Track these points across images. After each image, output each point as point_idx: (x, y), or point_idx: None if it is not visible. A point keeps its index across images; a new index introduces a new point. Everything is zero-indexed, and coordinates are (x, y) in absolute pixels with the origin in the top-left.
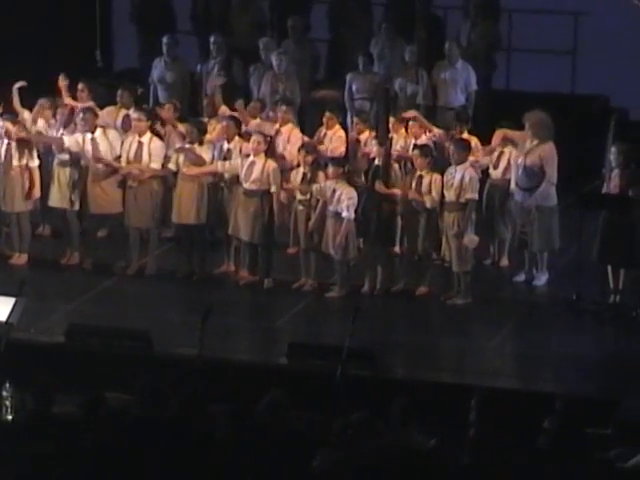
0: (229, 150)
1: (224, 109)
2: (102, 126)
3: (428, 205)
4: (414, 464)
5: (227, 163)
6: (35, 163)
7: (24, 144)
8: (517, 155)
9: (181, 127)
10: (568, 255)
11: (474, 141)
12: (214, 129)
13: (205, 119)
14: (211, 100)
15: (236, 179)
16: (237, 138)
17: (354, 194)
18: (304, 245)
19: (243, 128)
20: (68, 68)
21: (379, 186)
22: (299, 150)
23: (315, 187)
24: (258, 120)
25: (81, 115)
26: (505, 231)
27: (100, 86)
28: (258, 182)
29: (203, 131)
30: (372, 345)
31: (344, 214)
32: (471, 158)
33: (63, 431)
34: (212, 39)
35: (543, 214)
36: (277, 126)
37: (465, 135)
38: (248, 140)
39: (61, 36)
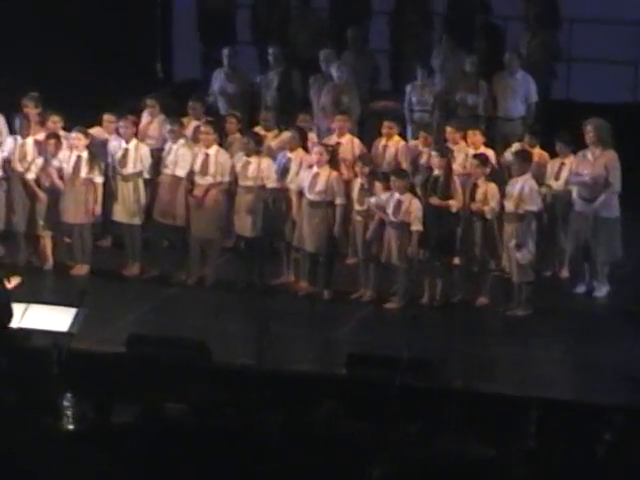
0: (289, 160)
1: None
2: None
3: (488, 216)
4: (471, 475)
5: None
6: (100, 179)
7: (93, 158)
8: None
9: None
10: (628, 266)
11: (544, 155)
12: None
13: (262, 131)
14: (267, 113)
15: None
16: (299, 149)
17: (420, 205)
18: (362, 256)
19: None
20: (128, 79)
21: (434, 199)
22: (355, 161)
23: (372, 201)
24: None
25: (169, 127)
26: (566, 242)
27: (166, 97)
28: (323, 193)
29: (259, 142)
30: (431, 356)
31: (414, 227)
32: None
33: (122, 440)
34: (270, 50)
35: (606, 225)
36: (335, 138)
37: (537, 150)
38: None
39: (122, 48)
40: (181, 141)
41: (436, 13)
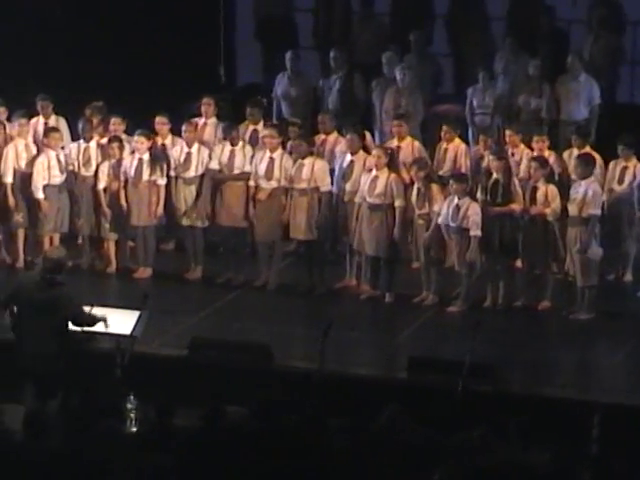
0: (352, 162)
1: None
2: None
3: (550, 218)
4: None
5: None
6: (163, 181)
7: (155, 161)
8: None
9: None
10: None
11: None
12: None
13: (322, 136)
14: (324, 116)
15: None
16: (361, 152)
17: (479, 210)
18: (423, 259)
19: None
20: (191, 84)
21: (493, 209)
22: (411, 166)
23: (440, 221)
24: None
25: (231, 132)
26: (631, 246)
27: (222, 101)
28: (382, 196)
29: (312, 144)
30: (493, 360)
31: (472, 232)
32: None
33: (184, 443)
34: (331, 54)
35: None
36: (395, 142)
37: (587, 150)
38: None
39: (184, 52)
40: (241, 143)
41: (499, 17)
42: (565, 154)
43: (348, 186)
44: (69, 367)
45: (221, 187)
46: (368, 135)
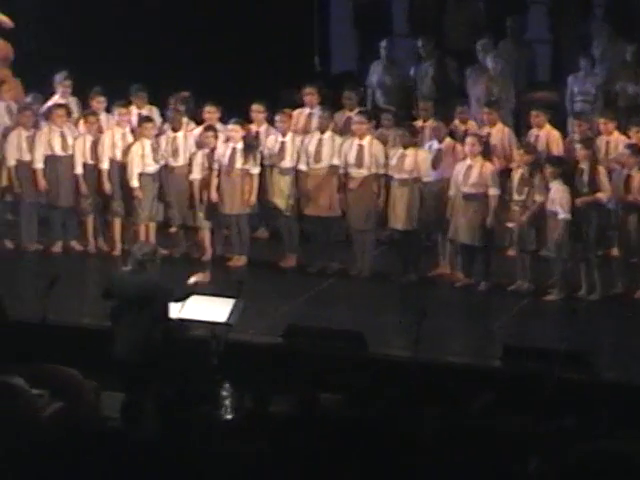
0: (440, 151)
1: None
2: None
3: None
4: (629, 469)
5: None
6: (256, 170)
7: (249, 150)
8: None
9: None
10: None
11: None
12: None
13: (420, 122)
14: (426, 103)
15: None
16: (448, 139)
17: (568, 194)
18: (518, 246)
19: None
20: (287, 73)
21: (580, 199)
22: (509, 151)
23: (537, 198)
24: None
25: (318, 118)
26: None
27: (322, 89)
28: (477, 185)
29: (415, 134)
30: (588, 349)
31: (561, 216)
32: None
33: (279, 430)
34: (419, 43)
35: None
36: (487, 129)
37: None
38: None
39: (280, 41)
40: (329, 132)
41: (596, 3)
42: None
43: (437, 174)
44: (165, 355)
45: (308, 178)
46: (472, 123)
